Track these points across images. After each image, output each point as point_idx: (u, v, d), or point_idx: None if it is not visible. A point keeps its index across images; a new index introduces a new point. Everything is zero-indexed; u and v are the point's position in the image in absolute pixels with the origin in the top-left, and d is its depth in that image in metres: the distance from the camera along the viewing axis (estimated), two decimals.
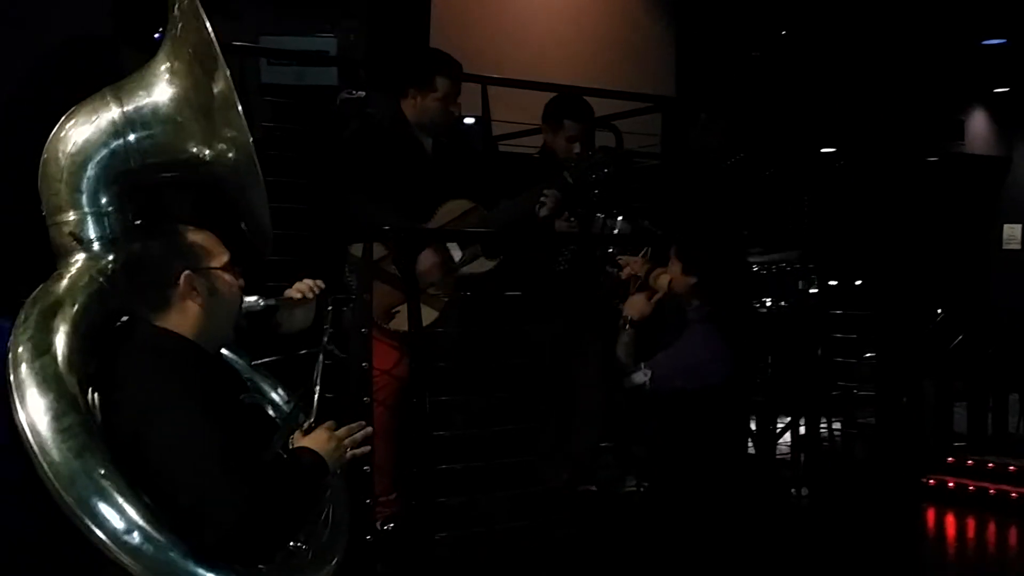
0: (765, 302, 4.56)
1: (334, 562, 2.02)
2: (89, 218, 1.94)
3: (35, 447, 1.75)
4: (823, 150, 9.13)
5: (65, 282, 1.91)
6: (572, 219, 4.01)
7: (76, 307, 1.87)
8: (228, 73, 1.98)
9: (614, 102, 5.05)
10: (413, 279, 3.60)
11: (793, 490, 4.62)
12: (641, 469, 4.55)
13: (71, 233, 1.92)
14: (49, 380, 1.79)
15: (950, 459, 6.36)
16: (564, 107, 4.24)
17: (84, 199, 1.94)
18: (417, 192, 3.76)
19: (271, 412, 2.17)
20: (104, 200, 1.96)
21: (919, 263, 7.54)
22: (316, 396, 2.18)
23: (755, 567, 3.24)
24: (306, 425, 2.11)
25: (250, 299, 2.13)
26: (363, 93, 4.22)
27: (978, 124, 9.85)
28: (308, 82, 4.45)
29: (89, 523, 1.73)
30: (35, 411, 1.77)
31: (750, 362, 4.76)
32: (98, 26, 4.05)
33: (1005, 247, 9.59)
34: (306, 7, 4.97)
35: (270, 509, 1.83)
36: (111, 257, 1.95)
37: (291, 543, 1.95)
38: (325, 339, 2.25)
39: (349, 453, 2.09)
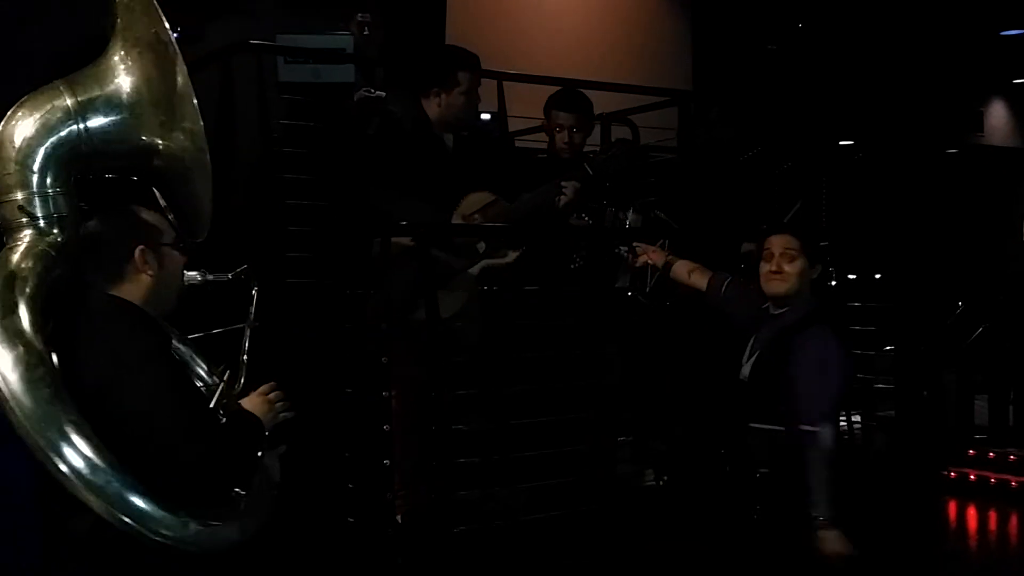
0: None
1: (264, 514, 2.27)
2: (37, 198, 2.09)
3: (7, 394, 1.95)
4: (841, 143, 9.09)
5: (18, 255, 2.07)
6: (584, 216, 4.03)
7: (31, 275, 2.05)
8: (184, 66, 2.12)
9: (631, 96, 5.06)
10: (432, 274, 3.62)
11: None
12: (660, 463, 4.56)
13: (21, 207, 2.07)
14: (19, 335, 1.98)
15: (971, 452, 6.32)
16: (555, 99, 4.26)
17: (35, 180, 2.09)
18: (440, 188, 3.78)
19: (198, 384, 2.39)
20: (51, 181, 2.11)
21: (938, 255, 7.51)
22: (244, 366, 2.44)
23: (775, 561, 3.24)
24: (237, 391, 2.39)
25: (191, 273, 2.34)
26: (383, 93, 4.24)
27: (997, 115, 9.78)
28: (325, 79, 4.47)
29: (58, 464, 1.94)
30: (5, 363, 1.95)
31: None
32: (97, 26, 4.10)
33: None
34: (323, 5, 5.00)
35: (227, 455, 2.13)
36: (56, 232, 2.10)
37: (234, 491, 2.21)
38: (251, 315, 2.47)
39: (281, 416, 2.36)
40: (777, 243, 3.10)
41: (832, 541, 2.80)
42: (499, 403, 3.86)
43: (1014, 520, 6.24)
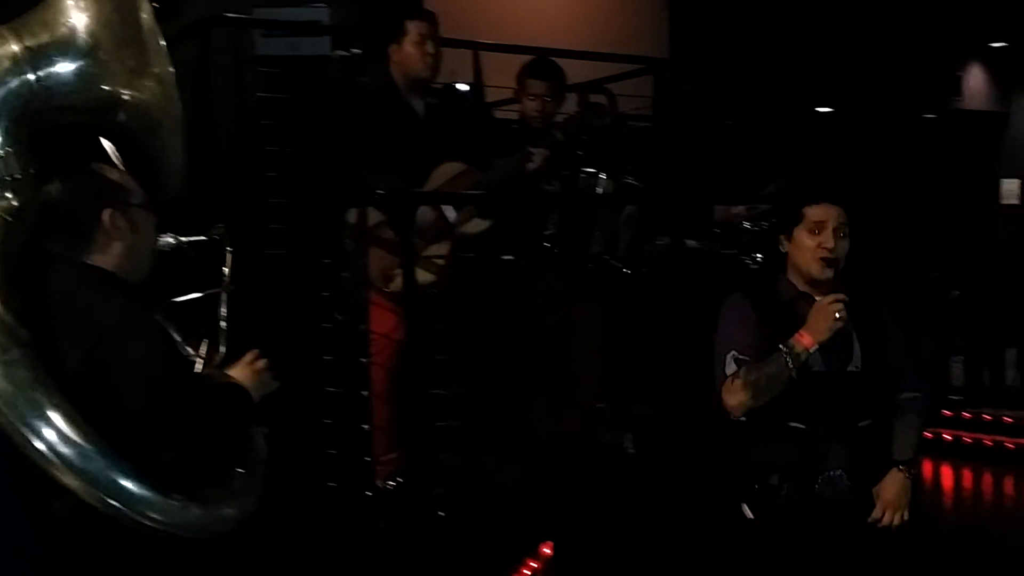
0: (756, 257, 4.63)
1: (259, 492, 2.16)
2: None
3: None
4: (819, 109, 9.13)
5: None
6: (556, 183, 4.08)
7: None
8: (148, 4, 1.93)
9: (607, 65, 5.08)
10: (409, 242, 3.67)
11: None
12: (640, 428, 4.63)
13: None
14: None
15: (947, 412, 6.43)
16: (527, 67, 4.28)
17: None
18: (411, 156, 3.82)
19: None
20: (1, 140, 1.91)
21: (917, 219, 7.57)
22: (224, 334, 2.28)
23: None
24: (218, 359, 2.24)
25: (165, 238, 2.19)
26: (359, 51, 4.24)
27: (975, 80, 9.81)
28: (302, 52, 4.50)
29: (39, 446, 1.82)
30: None
31: None
32: None
33: (1003, 202, 9.59)
34: None
35: (223, 427, 2.00)
36: (10, 196, 1.92)
37: (231, 467, 2.10)
38: (226, 279, 2.30)
39: (270, 385, 2.22)
40: (831, 214, 2.64)
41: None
42: (478, 368, 3.92)
43: (987, 479, 6.36)
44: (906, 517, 2.65)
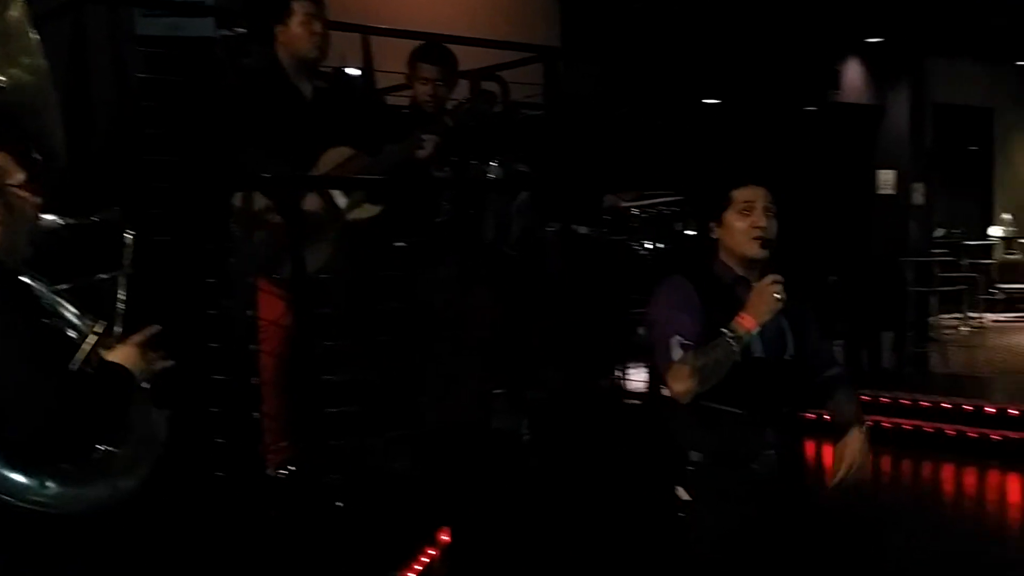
0: (644, 243, 4.71)
1: (141, 473, 2.16)
2: None
3: None
4: (706, 100, 9.34)
5: None
6: (447, 169, 4.07)
7: None
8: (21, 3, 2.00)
9: (501, 53, 5.09)
10: (297, 227, 3.61)
11: None
12: (535, 414, 4.66)
13: None
14: None
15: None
16: (418, 51, 4.27)
17: None
18: (298, 140, 3.76)
19: (72, 334, 2.24)
20: None
21: (798, 208, 7.81)
22: (120, 315, 2.31)
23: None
24: (111, 342, 2.24)
25: (49, 217, 2.21)
26: (243, 30, 4.16)
27: (853, 74, 10.16)
28: (184, 33, 4.38)
29: None
30: None
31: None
32: None
33: (879, 192, 9.97)
34: None
35: (78, 408, 2.00)
36: None
37: (100, 447, 2.09)
38: (125, 262, 2.35)
39: (158, 365, 2.23)
40: (759, 195, 2.67)
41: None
42: (369, 354, 3.88)
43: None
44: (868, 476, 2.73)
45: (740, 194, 2.67)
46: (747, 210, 2.66)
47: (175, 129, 4.00)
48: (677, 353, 2.60)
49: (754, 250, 2.66)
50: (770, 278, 2.60)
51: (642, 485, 3.80)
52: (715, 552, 2.64)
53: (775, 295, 2.57)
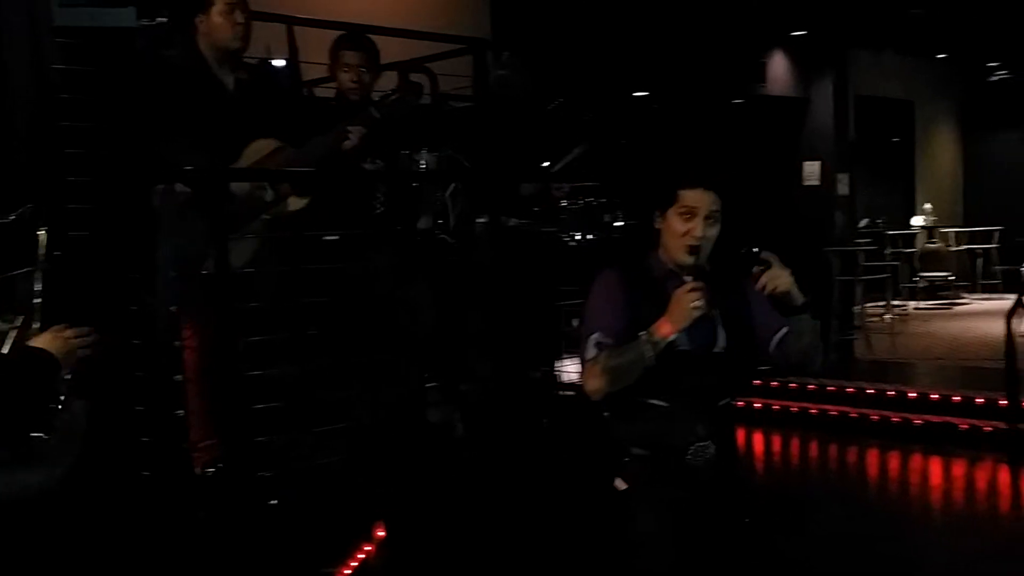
0: (575, 235, 4.73)
1: (68, 460, 2.24)
2: None
3: None
4: (636, 93, 9.42)
5: None
6: (377, 161, 4.04)
7: None
8: None
9: (431, 45, 5.07)
10: (219, 221, 3.55)
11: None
12: (468, 407, 4.66)
13: None
14: None
15: (756, 381, 6.78)
16: (340, 39, 4.24)
17: None
18: (220, 131, 3.69)
19: None
20: None
21: (728, 199, 7.92)
22: (37, 310, 2.40)
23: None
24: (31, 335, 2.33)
25: None
26: (164, 19, 4.08)
27: (778, 67, 10.32)
28: (104, 23, 4.27)
29: None
30: None
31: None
32: None
33: (805, 183, 10.14)
34: None
35: (4, 391, 2.08)
36: None
37: (31, 433, 2.15)
38: (40, 258, 2.44)
39: (81, 352, 2.31)
40: (704, 201, 2.66)
41: None
42: (299, 348, 3.84)
43: (795, 443, 6.76)
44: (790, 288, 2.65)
45: (686, 196, 2.67)
46: (688, 215, 2.66)
47: (95, 122, 3.92)
48: (591, 352, 2.65)
49: (683, 257, 2.68)
50: (689, 285, 2.61)
51: (578, 476, 3.82)
52: (651, 540, 2.65)
53: (692, 303, 2.58)
